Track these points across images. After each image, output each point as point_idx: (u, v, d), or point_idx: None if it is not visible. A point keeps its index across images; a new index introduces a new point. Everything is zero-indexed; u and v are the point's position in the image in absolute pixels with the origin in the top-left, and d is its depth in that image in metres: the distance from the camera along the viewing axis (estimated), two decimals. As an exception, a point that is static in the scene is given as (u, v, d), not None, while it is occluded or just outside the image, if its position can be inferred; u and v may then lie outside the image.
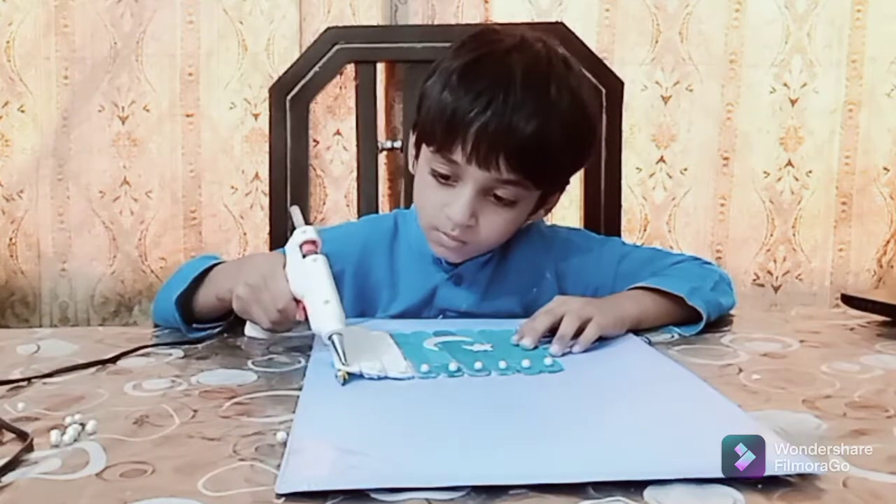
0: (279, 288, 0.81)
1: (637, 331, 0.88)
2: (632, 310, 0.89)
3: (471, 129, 0.86)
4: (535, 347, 0.81)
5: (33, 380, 0.73)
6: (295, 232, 0.85)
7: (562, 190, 0.98)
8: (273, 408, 0.66)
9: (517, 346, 0.82)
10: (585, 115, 0.92)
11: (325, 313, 0.76)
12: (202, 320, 0.92)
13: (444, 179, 0.90)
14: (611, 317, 0.85)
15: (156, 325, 0.96)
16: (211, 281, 0.92)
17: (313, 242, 0.82)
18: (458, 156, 0.87)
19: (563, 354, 0.80)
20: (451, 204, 0.89)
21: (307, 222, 0.87)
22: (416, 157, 0.96)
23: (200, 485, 0.51)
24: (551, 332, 0.82)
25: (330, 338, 0.75)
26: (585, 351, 0.81)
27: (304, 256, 0.81)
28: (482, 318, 0.97)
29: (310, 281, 0.79)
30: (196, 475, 0.52)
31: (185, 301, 0.91)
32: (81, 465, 0.54)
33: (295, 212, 0.90)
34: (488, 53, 0.90)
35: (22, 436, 0.59)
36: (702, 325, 0.90)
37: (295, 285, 0.80)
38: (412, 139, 0.98)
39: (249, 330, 0.88)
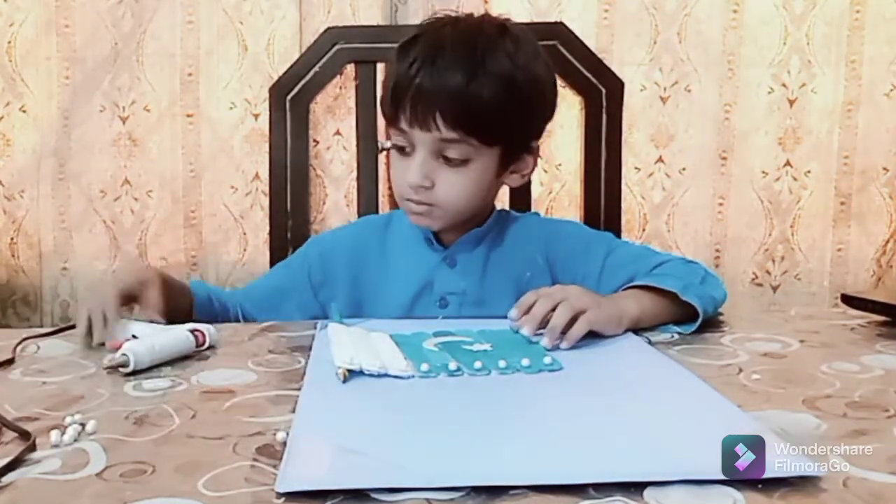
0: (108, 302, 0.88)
1: (637, 330, 0.88)
2: (632, 308, 0.89)
3: (407, 94, 0.92)
4: (535, 336, 0.83)
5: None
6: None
7: (530, 153, 1.01)
8: (273, 408, 0.66)
9: (516, 344, 0.82)
10: (522, 71, 0.94)
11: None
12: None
13: (401, 151, 0.96)
14: (605, 313, 0.85)
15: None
16: None
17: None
18: (403, 123, 0.94)
19: (553, 349, 0.81)
20: (407, 170, 0.95)
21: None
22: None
23: (200, 485, 0.51)
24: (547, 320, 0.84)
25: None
26: (575, 347, 0.82)
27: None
28: (481, 302, 1.00)
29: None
30: (196, 475, 0.52)
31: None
32: (81, 465, 0.54)
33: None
34: (425, 30, 0.98)
35: (24, 435, 0.59)
36: (699, 321, 0.91)
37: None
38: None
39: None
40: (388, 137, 1.00)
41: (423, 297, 1.02)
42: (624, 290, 0.94)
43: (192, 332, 0.83)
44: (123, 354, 0.75)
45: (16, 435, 0.59)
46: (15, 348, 0.83)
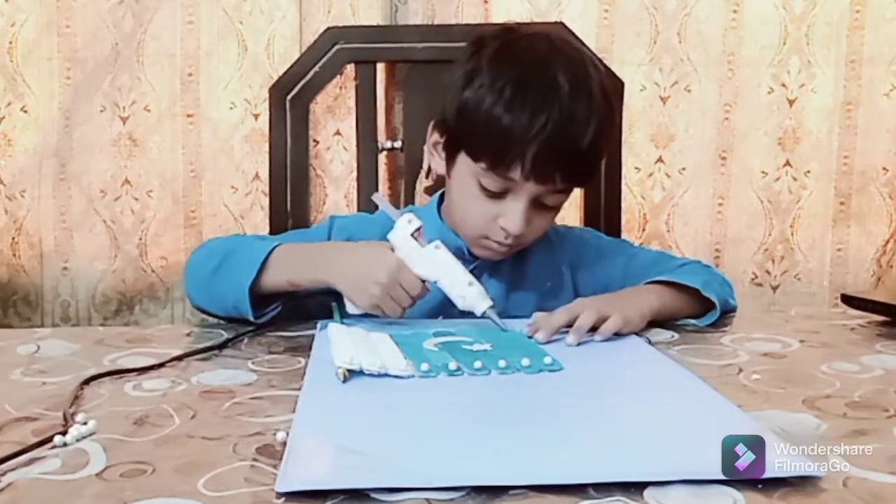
0: (410, 280, 0.89)
1: (652, 325, 0.91)
2: (653, 302, 0.92)
3: (530, 148, 0.88)
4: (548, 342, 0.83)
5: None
6: (400, 221, 0.91)
7: None
8: (273, 408, 0.66)
9: (516, 343, 0.82)
10: (613, 112, 0.97)
11: (473, 294, 0.90)
12: (263, 303, 0.93)
13: (495, 193, 0.93)
14: (633, 311, 0.87)
15: (198, 309, 0.98)
16: (278, 265, 0.92)
17: (419, 229, 0.90)
18: (515, 174, 0.90)
19: (550, 342, 0.83)
20: (504, 216, 0.93)
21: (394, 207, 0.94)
22: (449, 159, 0.97)
23: (200, 485, 0.51)
24: (566, 328, 0.85)
25: (484, 314, 0.89)
26: (579, 344, 0.83)
27: (420, 244, 0.90)
28: (505, 316, 0.97)
29: (441, 267, 0.90)
30: (196, 475, 0.52)
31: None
32: (81, 465, 0.54)
33: (382, 200, 0.96)
34: (530, 65, 0.91)
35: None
36: (717, 314, 0.94)
37: (419, 271, 0.90)
38: (433, 138, 1.00)
39: (351, 308, 0.92)
40: (450, 162, 0.96)
41: (448, 306, 1.00)
42: (644, 285, 0.97)
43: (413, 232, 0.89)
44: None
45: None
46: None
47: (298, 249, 0.96)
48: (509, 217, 0.92)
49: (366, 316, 0.92)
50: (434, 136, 1.00)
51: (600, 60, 1.30)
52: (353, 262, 0.91)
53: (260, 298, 0.92)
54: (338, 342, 0.79)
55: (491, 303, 0.89)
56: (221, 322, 0.97)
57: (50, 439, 0.58)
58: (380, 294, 0.88)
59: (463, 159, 0.94)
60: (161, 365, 0.78)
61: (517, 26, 1.01)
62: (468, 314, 0.98)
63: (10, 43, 1.57)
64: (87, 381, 0.71)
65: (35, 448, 0.56)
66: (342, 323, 0.89)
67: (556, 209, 0.97)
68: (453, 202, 1.00)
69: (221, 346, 0.85)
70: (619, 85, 1.30)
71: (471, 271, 0.98)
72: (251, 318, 0.91)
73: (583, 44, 1.29)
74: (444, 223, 1.03)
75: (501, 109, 0.89)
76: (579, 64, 0.93)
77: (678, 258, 1.07)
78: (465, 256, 1.00)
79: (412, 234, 0.90)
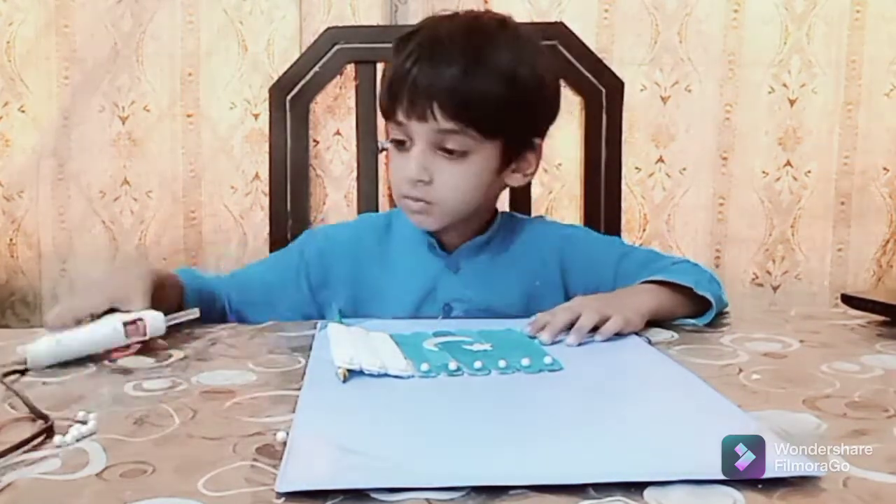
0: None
1: (650, 325, 0.90)
2: (650, 302, 0.91)
3: (404, 86, 0.91)
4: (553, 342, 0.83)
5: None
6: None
7: (533, 151, 0.99)
8: (273, 408, 0.66)
9: (516, 343, 0.82)
10: (523, 66, 0.94)
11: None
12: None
13: (400, 145, 0.95)
14: (633, 312, 0.87)
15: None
16: None
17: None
18: (400, 116, 0.93)
19: (554, 343, 0.83)
20: (405, 164, 0.94)
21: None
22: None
23: (200, 485, 0.51)
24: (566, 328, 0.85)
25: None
26: (580, 345, 0.83)
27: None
28: (487, 310, 0.98)
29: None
30: (196, 475, 0.52)
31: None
32: (81, 465, 0.54)
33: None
34: (423, 25, 0.98)
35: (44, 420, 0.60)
36: (713, 313, 0.94)
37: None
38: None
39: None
40: (388, 135, 0.99)
41: (426, 304, 1.01)
42: (639, 284, 0.96)
43: (127, 323, 0.80)
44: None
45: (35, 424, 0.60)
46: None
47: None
48: (407, 162, 0.94)
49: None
50: None
51: (598, 60, 1.31)
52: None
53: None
54: (338, 342, 0.79)
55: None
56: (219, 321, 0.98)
57: (50, 436, 0.58)
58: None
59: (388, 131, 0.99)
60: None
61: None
62: (473, 306, 1.00)
63: (8, 42, 1.57)
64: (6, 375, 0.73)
65: (32, 441, 0.56)
66: (342, 323, 0.89)
67: (465, 157, 0.93)
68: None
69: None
70: (619, 85, 1.30)
71: (446, 266, 1.01)
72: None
73: (581, 42, 1.29)
74: None
75: (393, 62, 0.96)
76: (483, 22, 0.96)
77: (669, 257, 1.06)
78: (438, 251, 1.02)
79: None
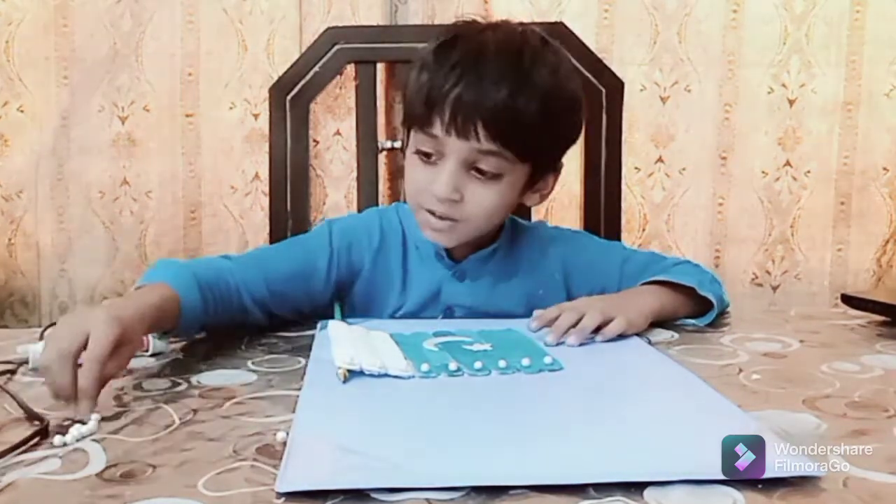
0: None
1: (651, 325, 0.91)
2: (653, 303, 0.92)
3: (447, 100, 0.87)
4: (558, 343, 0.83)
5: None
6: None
7: (554, 172, 0.98)
8: (273, 408, 0.66)
9: (517, 344, 0.82)
10: (563, 89, 0.92)
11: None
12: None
13: (428, 157, 0.91)
14: (636, 314, 0.87)
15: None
16: None
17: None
18: (437, 129, 0.88)
19: (558, 344, 0.83)
20: (435, 179, 0.90)
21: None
22: (407, 150, 0.97)
23: (200, 485, 0.51)
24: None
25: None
26: (581, 345, 0.83)
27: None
28: (488, 316, 0.98)
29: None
30: (196, 475, 0.52)
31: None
32: (81, 465, 0.54)
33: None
34: (463, 33, 0.92)
35: (39, 421, 0.60)
36: (714, 313, 0.95)
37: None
38: (404, 136, 0.99)
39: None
40: (405, 142, 0.95)
41: (429, 308, 1.00)
42: (641, 286, 0.97)
43: None
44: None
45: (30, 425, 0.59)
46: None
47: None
48: (437, 178, 0.90)
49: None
50: (402, 135, 1.00)
51: (598, 60, 1.31)
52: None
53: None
54: (338, 342, 0.79)
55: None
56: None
57: (46, 436, 0.58)
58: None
59: (411, 135, 0.94)
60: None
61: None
62: (474, 311, 0.99)
63: (7, 42, 1.57)
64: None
65: (28, 442, 0.57)
66: (343, 321, 0.89)
67: (497, 180, 0.90)
68: (405, 182, 0.98)
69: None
70: (619, 85, 1.31)
71: (452, 274, 1.00)
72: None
73: (581, 42, 1.29)
74: None
75: (424, 71, 0.90)
76: (518, 36, 0.91)
77: (669, 258, 1.07)
78: (445, 259, 1.00)
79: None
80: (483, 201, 0.91)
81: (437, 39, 0.93)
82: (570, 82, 0.94)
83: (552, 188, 1.00)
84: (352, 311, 0.99)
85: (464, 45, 0.90)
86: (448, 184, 0.89)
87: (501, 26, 0.93)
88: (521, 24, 0.95)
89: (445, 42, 0.91)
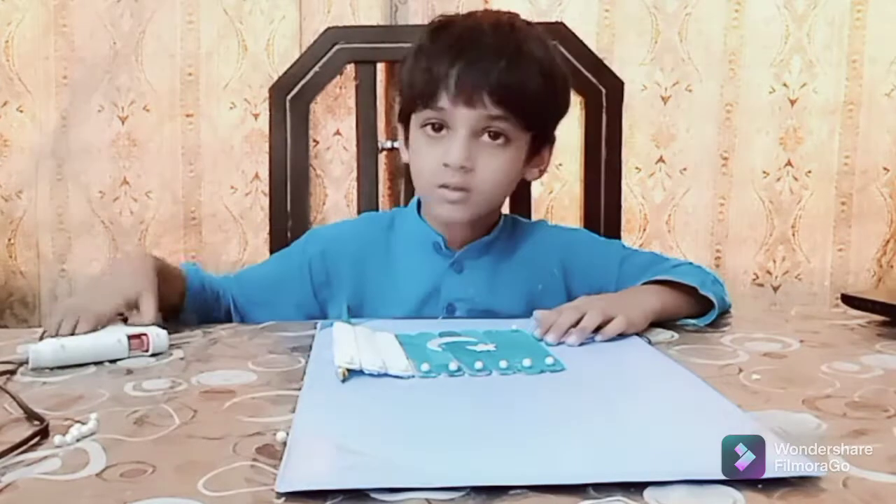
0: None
1: (652, 325, 0.91)
2: (654, 303, 0.92)
3: (451, 73, 0.92)
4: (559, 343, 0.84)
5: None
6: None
7: (549, 145, 1.03)
8: (273, 408, 0.66)
9: (521, 344, 0.82)
10: (555, 63, 0.99)
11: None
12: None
13: (437, 131, 0.95)
14: (637, 313, 0.88)
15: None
16: None
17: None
18: (444, 101, 0.93)
19: (559, 344, 0.83)
20: (447, 151, 0.94)
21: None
22: (407, 139, 1.01)
23: (200, 485, 0.50)
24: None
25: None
26: (581, 344, 0.83)
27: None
28: (489, 311, 0.99)
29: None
30: (196, 475, 0.52)
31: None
32: (81, 465, 0.54)
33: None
34: (454, 19, 0.99)
35: (39, 421, 0.60)
36: (715, 313, 0.95)
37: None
38: (402, 131, 1.03)
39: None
40: (401, 136, 0.99)
41: (429, 303, 1.01)
42: (643, 285, 0.97)
43: (132, 336, 0.80)
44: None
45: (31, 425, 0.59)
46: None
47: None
48: (450, 148, 0.93)
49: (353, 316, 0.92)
50: (400, 133, 1.04)
51: (598, 60, 1.31)
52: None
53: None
54: (340, 341, 0.79)
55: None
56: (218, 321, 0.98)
57: (46, 436, 0.58)
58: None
59: (412, 121, 0.98)
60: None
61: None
62: (475, 306, 1.00)
63: (7, 42, 1.57)
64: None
65: (28, 443, 0.57)
66: (348, 322, 0.89)
67: (506, 146, 0.96)
68: (412, 171, 1.02)
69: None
70: (619, 85, 1.30)
71: (451, 265, 1.01)
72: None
73: (581, 42, 1.29)
74: (423, 220, 1.04)
75: (426, 53, 0.96)
76: (509, 20, 0.98)
77: (671, 259, 1.07)
78: (443, 250, 1.02)
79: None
80: (494, 167, 0.95)
81: (430, 27, 0.99)
82: (556, 56, 1.01)
83: (548, 162, 1.05)
84: (358, 312, 0.99)
85: (458, 26, 0.96)
86: (461, 151, 0.93)
87: (489, 12, 1.04)
88: (507, 11, 1.03)
89: (439, 25, 0.98)
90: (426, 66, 0.94)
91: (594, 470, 0.51)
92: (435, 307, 1.01)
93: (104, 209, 1.62)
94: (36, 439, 0.58)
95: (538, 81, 0.94)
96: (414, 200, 1.08)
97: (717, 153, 1.61)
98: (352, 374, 0.71)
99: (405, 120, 1.00)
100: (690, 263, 1.06)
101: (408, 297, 1.01)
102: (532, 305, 0.92)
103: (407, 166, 1.20)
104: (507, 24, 0.97)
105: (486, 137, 0.94)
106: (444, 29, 0.97)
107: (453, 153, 0.93)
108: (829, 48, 1.58)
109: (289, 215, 1.36)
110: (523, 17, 1.02)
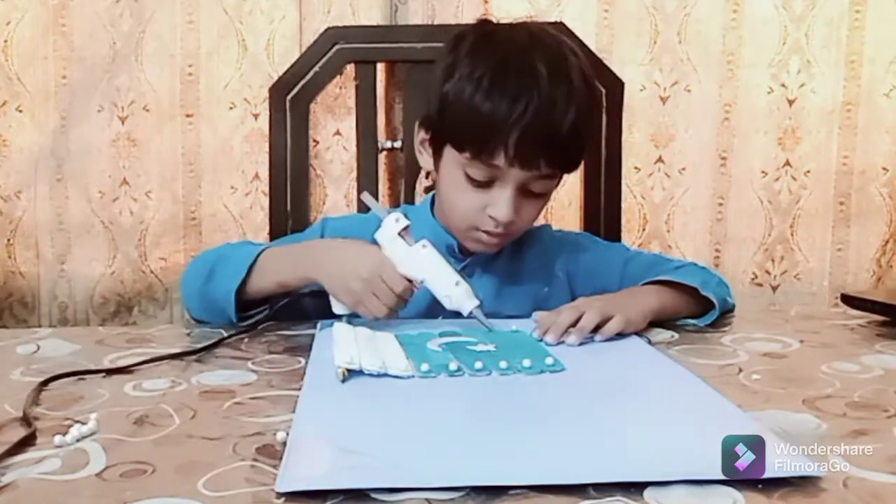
0: (392, 276, 0.88)
1: (652, 325, 0.91)
2: (653, 302, 0.92)
3: (512, 134, 0.89)
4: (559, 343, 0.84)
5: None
6: (386, 220, 0.90)
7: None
8: (273, 408, 0.66)
9: (521, 345, 0.82)
10: (593, 94, 0.99)
11: (460, 294, 0.89)
12: (250, 307, 0.95)
13: (481, 182, 0.93)
14: (635, 313, 0.88)
15: (196, 321, 0.99)
16: (265, 268, 0.94)
17: (407, 228, 0.89)
18: (499, 160, 0.90)
19: (558, 344, 0.83)
20: (493, 205, 0.93)
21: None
22: (436, 155, 0.98)
23: (200, 485, 0.51)
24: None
25: (470, 314, 0.89)
26: (581, 344, 0.83)
27: (407, 243, 0.90)
28: (496, 315, 0.97)
29: (428, 266, 0.90)
30: (196, 475, 0.52)
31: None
32: (81, 465, 0.54)
33: (370, 199, 0.95)
34: (509, 54, 0.92)
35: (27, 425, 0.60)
36: (716, 313, 0.95)
37: (406, 270, 0.89)
38: (420, 136, 1.01)
39: (337, 308, 0.91)
40: (437, 156, 0.97)
41: (439, 305, 1.00)
42: (643, 285, 0.97)
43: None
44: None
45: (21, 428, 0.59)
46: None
47: (285, 251, 0.97)
48: (498, 205, 0.93)
49: (354, 316, 0.91)
50: (420, 134, 1.02)
51: (598, 60, 1.31)
52: (336, 259, 0.91)
53: (252, 302, 0.94)
54: (340, 341, 0.79)
55: (478, 302, 0.89)
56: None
57: (42, 438, 0.58)
58: (361, 289, 0.88)
59: (449, 152, 0.95)
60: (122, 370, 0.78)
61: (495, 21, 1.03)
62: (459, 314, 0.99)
63: (6, 41, 1.56)
64: (46, 383, 0.71)
65: (31, 440, 0.57)
66: (349, 323, 0.89)
67: (544, 196, 0.97)
68: (442, 197, 1.00)
69: (217, 343, 0.85)
70: (619, 85, 1.31)
71: (461, 270, 0.99)
72: (235, 321, 0.93)
73: (581, 42, 1.29)
74: (437, 222, 1.04)
75: (481, 98, 0.90)
76: (557, 51, 0.94)
77: (674, 260, 1.08)
78: (456, 254, 1.01)
79: (399, 233, 0.90)
80: (532, 215, 0.98)
81: (478, 56, 0.93)
82: (593, 85, 1.00)
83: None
84: None
85: (516, 70, 0.90)
86: (509, 208, 0.92)
87: (538, 41, 0.94)
88: (544, 31, 0.97)
89: (497, 67, 0.91)
90: (485, 118, 0.89)
91: (594, 470, 0.51)
92: (444, 309, 1.00)
93: (104, 209, 1.62)
94: (36, 439, 0.58)
95: (584, 125, 0.93)
96: (427, 199, 1.08)
97: (715, 153, 1.61)
98: (352, 374, 0.71)
99: (437, 136, 0.97)
100: (695, 264, 1.06)
101: (417, 298, 1.00)
102: (538, 309, 0.92)
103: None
104: (563, 64, 0.92)
105: (531, 187, 0.94)
106: (503, 70, 0.90)
107: (501, 210, 0.92)
108: (827, 48, 1.58)
109: (289, 215, 1.35)
110: (523, 17, 1.02)
